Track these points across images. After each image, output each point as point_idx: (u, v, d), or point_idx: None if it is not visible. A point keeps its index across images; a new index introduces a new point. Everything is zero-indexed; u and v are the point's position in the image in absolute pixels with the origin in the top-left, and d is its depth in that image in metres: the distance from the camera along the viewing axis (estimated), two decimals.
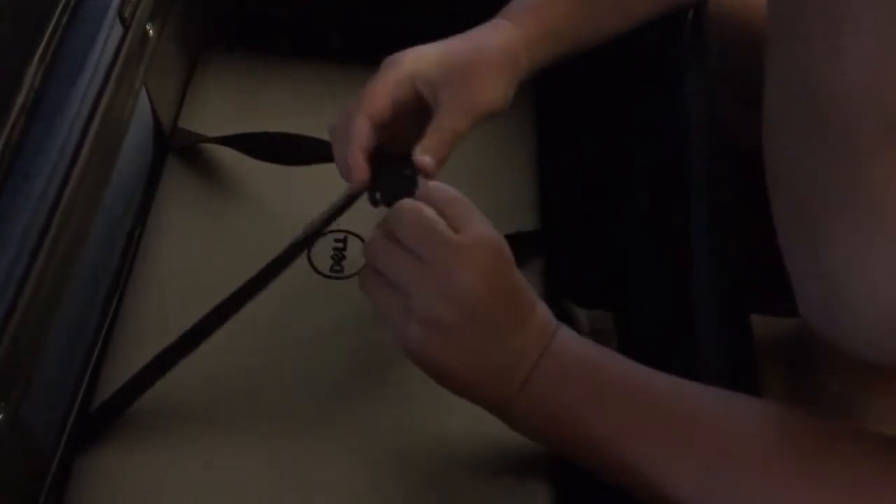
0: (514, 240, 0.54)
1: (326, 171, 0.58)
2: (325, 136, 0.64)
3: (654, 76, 0.63)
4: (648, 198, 0.63)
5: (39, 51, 0.49)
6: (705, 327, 0.44)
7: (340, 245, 0.62)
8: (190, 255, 0.61)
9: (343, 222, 0.62)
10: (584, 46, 0.55)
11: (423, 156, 0.48)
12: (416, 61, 0.50)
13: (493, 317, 0.43)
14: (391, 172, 0.49)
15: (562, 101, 0.57)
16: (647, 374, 0.43)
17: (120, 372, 0.55)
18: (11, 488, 0.47)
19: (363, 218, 0.62)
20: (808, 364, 0.52)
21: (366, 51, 0.71)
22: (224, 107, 0.69)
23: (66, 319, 0.49)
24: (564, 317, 0.57)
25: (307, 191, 0.64)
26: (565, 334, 0.45)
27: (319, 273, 0.61)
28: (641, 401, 0.42)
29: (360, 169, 0.49)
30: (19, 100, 0.47)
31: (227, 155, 0.66)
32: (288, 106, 0.70)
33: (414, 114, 0.51)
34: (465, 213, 0.44)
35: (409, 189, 0.48)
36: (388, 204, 0.48)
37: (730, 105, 0.57)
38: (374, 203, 0.50)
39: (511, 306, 0.44)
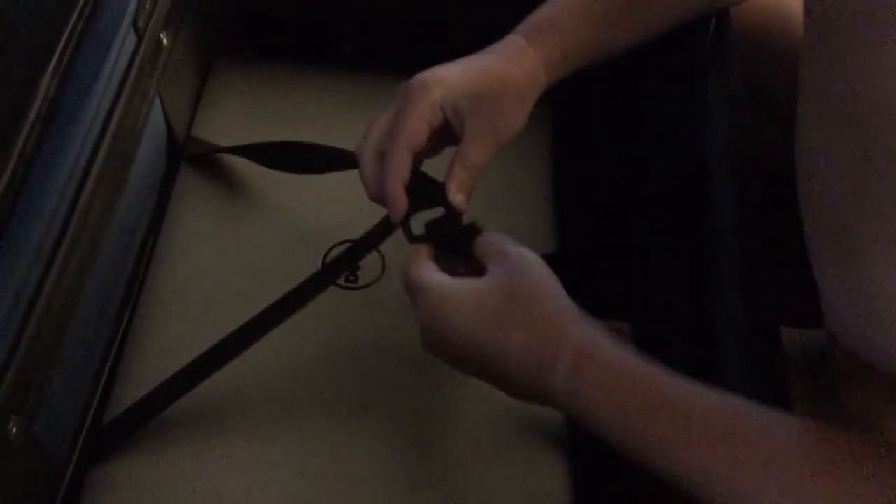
0: None
1: (340, 178, 0.58)
2: (338, 143, 0.65)
3: (676, 87, 0.62)
4: (668, 209, 0.62)
5: (54, 61, 0.49)
6: (732, 341, 0.43)
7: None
8: (203, 265, 0.60)
9: (357, 232, 0.62)
10: (600, 61, 0.55)
11: (457, 194, 0.50)
12: (445, 87, 0.50)
13: (481, 355, 0.45)
14: (425, 203, 0.50)
15: (579, 112, 0.56)
16: (686, 388, 0.42)
17: (133, 384, 0.54)
18: (25, 501, 0.46)
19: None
20: (833, 376, 0.51)
21: (377, 59, 0.71)
22: (236, 115, 0.69)
23: (78, 330, 0.49)
24: None
25: (321, 199, 0.64)
26: (594, 345, 0.44)
27: (334, 283, 0.60)
28: (680, 415, 0.41)
29: (402, 203, 0.49)
30: (34, 109, 0.47)
31: (240, 163, 0.65)
32: (300, 113, 0.70)
33: (436, 134, 0.51)
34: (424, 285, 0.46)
35: (448, 227, 0.50)
36: (421, 237, 0.50)
37: (750, 116, 0.56)
38: (409, 236, 0.50)
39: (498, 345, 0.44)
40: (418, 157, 0.51)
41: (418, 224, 0.50)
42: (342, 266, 0.55)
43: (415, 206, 0.50)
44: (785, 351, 0.47)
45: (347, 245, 0.62)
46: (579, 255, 0.64)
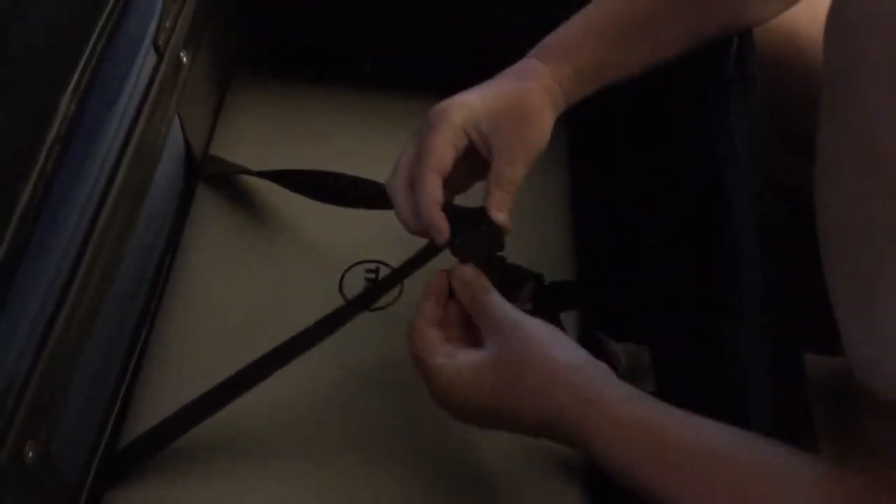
0: (549, 289, 0.54)
1: None
2: (358, 164, 0.64)
3: (697, 107, 0.62)
4: (688, 230, 0.61)
5: (74, 79, 0.49)
6: (755, 366, 0.43)
7: (372, 276, 0.61)
8: (221, 285, 0.60)
9: (375, 252, 0.62)
10: (616, 81, 0.55)
11: (498, 213, 0.50)
12: (466, 111, 0.51)
13: (498, 419, 0.46)
14: (466, 226, 0.51)
15: (597, 130, 0.56)
16: (695, 433, 0.42)
17: (149, 405, 0.54)
18: None
19: (395, 248, 0.61)
20: (854, 406, 0.50)
21: (397, 77, 0.71)
22: (255, 134, 0.69)
23: (94, 351, 0.48)
24: (600, 352, 0.55)
25: (338, 218, 0.63)
26: (611, 397, 0.44)
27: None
28: (688, 463, 0.41)
29: (443, 227, 0.50)
30: (54, 128, 0.46)
31: (257, 182, 0.65)
32: (318, 132, 0.69)
33: (463, 161, 0.52)
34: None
35: (491, 244, 0.51)
36: (468, 256, 0.50)
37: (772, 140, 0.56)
38: (458, 252, 0.51)
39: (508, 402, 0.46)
40: (450, 191, 0.51)
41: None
42: (378, 293, 0.56)
43: (455, 228, 0.50)
44: (808, 377, 0.46)
45: (364, 265, 0.62)
46: (597, 281, 0.64)
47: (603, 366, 0.46)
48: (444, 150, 0.50)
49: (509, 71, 0.54)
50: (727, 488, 0.40)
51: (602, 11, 0.56)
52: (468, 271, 0.49)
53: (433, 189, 0.49)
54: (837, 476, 0.39)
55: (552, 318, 0.51)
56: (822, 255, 0.42)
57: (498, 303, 0.48)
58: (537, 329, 0.46)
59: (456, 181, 0.52)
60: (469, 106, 0.51)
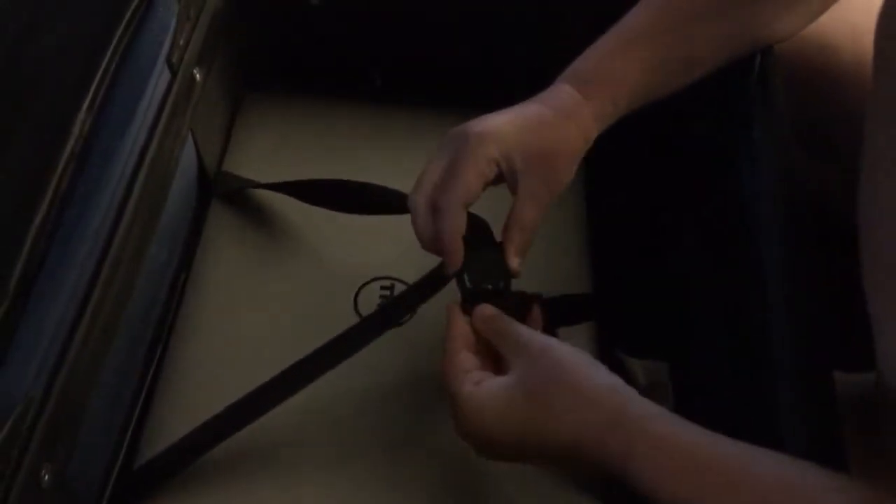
0: (564, 303, 0.53)
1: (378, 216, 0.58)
2: (370, 176, 0.64)
3: (720, 126, 0.61)
4: (710, 249, 0.61)
5: (88, 98, 0.48)
6: (783, 387, 0.42)
7: (387, 293, 0.61)
8: (235, 302, 0.60)
9: (390, 269, 0.62)
10: (649, 102, 0.54)
11: (514, 258, 0.50)
12: (500, 142, 0.49)
13: (526, 449, 0.44)
14: (478, 258, 0.51)
15: (616, 148, 0.55)
16: (734, 457, 0.41)
17: (164, 425, 0.53)
18: None
19: (410, 264, 0.61)
20: (884, 423, 0.49)
21: (408, 90, 0.71)
22: (267, 149, 0.69)
23: (109, 372, 0.48)
24: (618, 368, 0.55)
25: (353, 235, 0.63)
26: (645, 416, 0.43)
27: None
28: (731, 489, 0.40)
29: (458, 258, 0.50)
30: (69, 147, 0.46)
31: (270, 198, 0.65)
32: (331, 146, 0.69)
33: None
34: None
35: (498, 279, 0.50)
36: (476, 290, 0.50)
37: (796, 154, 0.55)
38: (462, 289, 0.51)
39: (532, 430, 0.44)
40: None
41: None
42: (392, 316, 0.55)
43: (469, 259, 0.50)
44: (838, 396, 0.45)
45: (379, 282, 0.61)
46: (616, 296, 0.63)
47: (631, 387, 0.45)
48: (475, 182, 0.49)
49: (551, 100, 0.52)
50: None
51: (642, 33, 0.54)
52: (488, 309, 0.49)
53: (458, 220, 0.49)
54: (871, 499, 0.38)
55: (552, 334, 0.51)
56: (864, 266, 0.41)
57: (522, 329, 0.47)
58: (565, 352, 0.45)
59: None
60: (505, 138, 0.50)
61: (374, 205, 0.58)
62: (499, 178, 0.51)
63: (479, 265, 0.50)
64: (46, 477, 0.40)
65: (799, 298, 0.46)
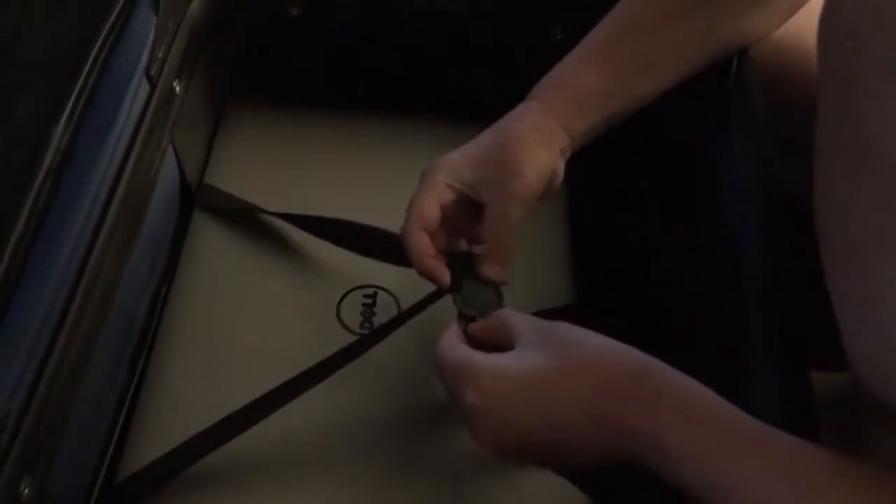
0: (548, 316, 0.53)
1: None
2: (353, 188, 0.64)
3: (696, 130, 0.62)
4: (690, 253, 0.61)
5: (66, 111, 0.49)
6: (763, 386, 0.42)
7: (370, 301, 0.61)
8: (218, 314, 0.60)
9: (372, 277, 0.62)
10: (624, 113, 0.54)
11: (487, 267, 0.53)
12: (447, 167, 0.53)
13: (543, 424, 0.43)
14: (470, 279, 0.53)
15: (595, 156, 0.55)
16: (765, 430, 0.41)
17: (147, 437, 0.53)
18: None
19: (392, 272, 0.61)
20: (861, 420, 0.50)
21: (392, 99, 0.71)
22: (250, 159, 0.69)
23: (91, 384, 0.48)
24: None
25: (339, 248, 0.63)
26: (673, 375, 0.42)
27: (348, 330, 0.59)
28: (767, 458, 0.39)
29: (438, 275, 0.52)
30: (47, 161, 0.46)
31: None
32: (315, 155, 0.69)
33: (467, 208, 0.53)
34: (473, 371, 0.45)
35: (490, 300, 0.53)
36: (467, 315, 0.52)
37: (772, 150, 0.56)
38: (461, 311, 0.52)
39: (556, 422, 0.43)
40: (459, 236, 0.54)
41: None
42: (390, 329, 0.55)
43: (457, 277, 0.52)
44: (815, 396, 0.46)
45: (362, 291, 0.61)
46: (600, 304, 0.63)
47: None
48: (429, 206, 0.52)
49: (511, 117, 0.54)
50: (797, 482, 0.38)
51: (600, 41, 0.55)
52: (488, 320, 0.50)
53: (419, 244, 0.52)
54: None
55: None
56: (823, 255, 0.42)
57: (527, 316, 0.48)
58: (577, 327, 0.45)
59: (464, 228, 0.54)
60: (451, 162, 0.53)
61: (372, 249, 0.60)
62: (473, 206, 0.53)
63: (469, 285, 0.53)
64: (26, 490, 0.40)
65: (776, 299, 0.47)
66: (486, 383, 0.43)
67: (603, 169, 0.63)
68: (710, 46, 0.55)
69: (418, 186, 0.53)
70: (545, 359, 0.43)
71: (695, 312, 0.59)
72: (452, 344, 0.47)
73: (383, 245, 0.57)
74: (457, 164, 0.52)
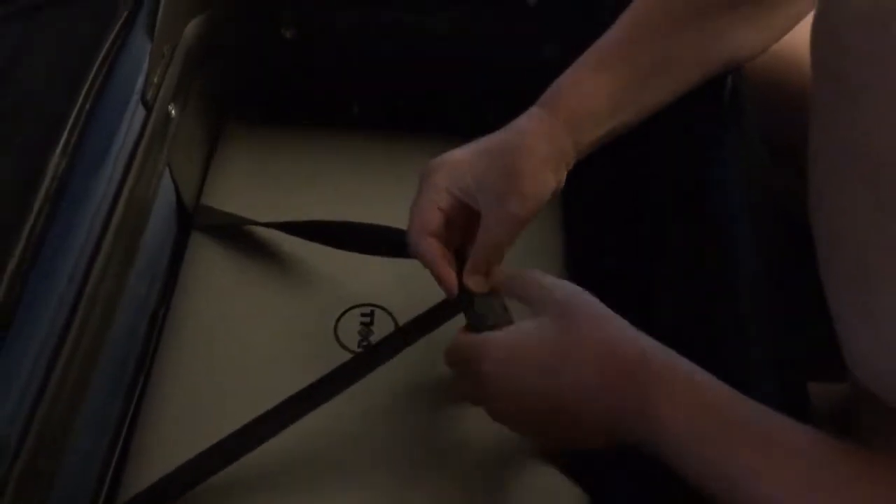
0: None
1: None
2: (350, 206, 0.64)
3: (690, 147, 0.62)
4: (686, 266, 0.62)
5: (63, 138, 0.49)
6: (761, 398, 0.42)
7: (367, 320, 0.61)
8: (217, 335, 0.60)
9: (370, 296, 0.62)
10: (630, 122, 0.54)
11: (470, 276, 0.51)
12: (450, 171, 0.51)
13: (554, 396, 0.45)
14: (482, 300, 0.52)
15: (591, 169, 0.56)
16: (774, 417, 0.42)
17: (146, 459, 0.53)
18: None
19: (389, 291, 0.62)
20: (859, 430, 0.50)
21: (385, 118, 0.72)
22: (247, 178, 0.69)
23: (89, 407, 0.48)
24: None
25: (335, 263, 0.63)
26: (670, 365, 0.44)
27: (346, 349, 0.60)
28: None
29: (446, 278, 0.51)
30: (44, 187, 0.47)
31: (253, 231, 0.65)
32: (310, 175, 0.70)
33: (468, 209, 0.52)
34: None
35: (498, 320, 0.51)
36: (481, 328, 0.51)
37: (768, 164, 0.56)
38: (473, 325, 0.52)
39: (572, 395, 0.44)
40: (455, 231, 0.52)
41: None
42: (393, 351, 0.55)
43: (476, 298, 0.51)
44: (813, 407, 0.46)
45: (360, 309, 0.62)
46: None
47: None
48: (429, 210, 0.51)
49: (516, 124, 0.53)
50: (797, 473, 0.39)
51: (611, 49, 0.54)
52: (501, 272, 0.51)
53: (424, 246, 0.51)
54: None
55: None
56: (819, 263, 0.42)
57: (555, 283, 0.49)
58: (589, 299, 0.47)
59: (467, 227, 0.52)
60: (455, 165, 0.51)
61: (370, 245, 0.60)
62: (463, 204, 0.52)
63: (483, 303, 0.51)
64: None
65: (772, 312, 0.47)
66: (501, 353, 0.46)
67: (598, 179, 0.64)
68: (716, 57, 0.56)
69: (419, 189, 0.52)
70: (556, 333, 0.45)
71: (691, 324, 0.59)
72: (467, 333, 0.50)
73: (381, 239, 0.58)
74: (459, 166, 0.51)
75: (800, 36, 0.58)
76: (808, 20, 0.56)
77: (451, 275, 0.51)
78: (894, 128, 0.36)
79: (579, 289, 0.47)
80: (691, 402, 0.41)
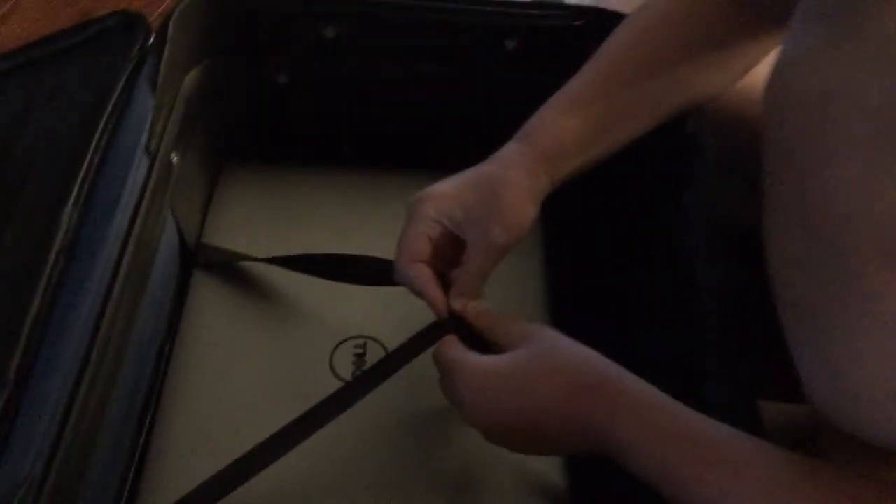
0: None
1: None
2: (344, 240, 0.67)
3: (651, 185, 0.65)
4: (651, 297, 0.65)
5: (74, 193, 0.52)
6: (713, 414, 0.46)
7: (360, 351, 0.64)
8: (221, 368, 0.63)
9: (363, 328, 0.66)
10: (600, 157, 0.57)
11: (455, 299, 0.54)
12: (437, 201, 0.54)
13: (528, 417, 0.48)
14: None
15: (563, 204, 0.59)
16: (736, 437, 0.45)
17: (156, 491, 0.56)
18: None
19: (383, 323, 0.65)
20: (817, 451, 0.53)
21: (374, 155, 0.75)
22: (245, 216, 0.73)
23: (102, 445, 0.51)
24: None
25: (332, 296, 0.66)
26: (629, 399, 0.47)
27: (340, 379, 0.63)
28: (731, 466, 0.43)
29: (436, 303, 0.54)
30: (57, 242, 0.50)
31: (252, 267, 0.69)
32: (305, 212, 0.73)
33: (455, 238, 0.55)
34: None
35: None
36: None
37: (734, 192, 0.59)
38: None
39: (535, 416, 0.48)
40: (444, 258, 0.55)
41: None
42: (385, 375, 0.57)
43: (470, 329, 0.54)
44: (765, 426, 0.49)
45: (353, 341, 0.65)
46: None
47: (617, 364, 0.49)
48: (417, 239, 0.54)
49: (491, 158, 0.56)
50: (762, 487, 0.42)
51: (581, 91, 0.58)
52: (481, 305, 0.54)
53: (413, 272, 0.54)
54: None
55: None
56: (775, 295, 0.46)
57: (513, 318, 0.52)
58: (554, 334, 0.50)
59: (453, 257, 0.55)
60: (442, 196, 0.54)
61: (358, 275, 0.63)
62: (450, 233, 0.55)
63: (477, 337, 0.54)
64: None
65: (730, 338, 0.51)
66: (474, 381, 0.49)
67: (574, 208, 0.67)
68: (680, 100, 0.59)
69: (407, 219, 0.55)
70: (526, 362, 0.49)
71: (653, 346, 0.62)
72: (451, 343, 0.53)
73: (369, 269, 0.61)
74: (446, 199, 0.54)
75: (763, 70, 0.61)
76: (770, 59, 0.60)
77: (441, 297, 0.54)
78: (834, 199, 0.39)
79: (544, 325, 0.51)
80: (643, 420, 0.45)
